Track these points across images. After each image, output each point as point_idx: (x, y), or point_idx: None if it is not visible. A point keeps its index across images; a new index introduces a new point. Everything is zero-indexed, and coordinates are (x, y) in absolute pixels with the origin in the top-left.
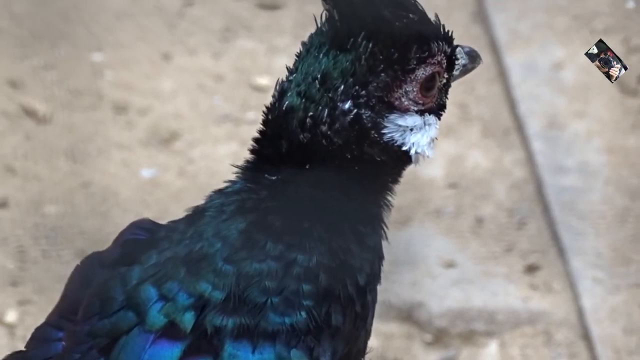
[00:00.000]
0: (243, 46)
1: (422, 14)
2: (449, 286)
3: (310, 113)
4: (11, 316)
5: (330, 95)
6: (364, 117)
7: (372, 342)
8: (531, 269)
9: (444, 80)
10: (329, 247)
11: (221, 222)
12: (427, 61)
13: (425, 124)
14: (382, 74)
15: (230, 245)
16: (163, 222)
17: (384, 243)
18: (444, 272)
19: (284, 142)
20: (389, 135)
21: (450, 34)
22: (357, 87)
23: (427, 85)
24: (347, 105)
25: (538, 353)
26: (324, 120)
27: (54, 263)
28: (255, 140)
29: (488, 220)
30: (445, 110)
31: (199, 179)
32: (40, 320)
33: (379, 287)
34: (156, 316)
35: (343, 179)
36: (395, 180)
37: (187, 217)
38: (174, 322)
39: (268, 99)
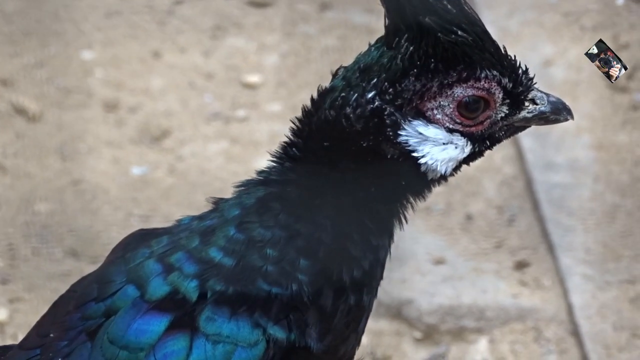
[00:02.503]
0: (233, 44)
1: (480, 38)
2: (438, 283)
3: (343, 94)
4: (1, 314)
5: (363, 84)
6: (386, 112)
7: (362, 340)
8: (521, 265)
9: (501, 114)
10: (335, 228)
11: (244, 193)
12: (469, 83)
13: (450, 142)
14: (415, 79)
15: (246, 211)
16: (153, 219)
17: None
18: (433, 268)
19: (315, 119)
20: (404, 137)
21: (518, 71)
22: (386, 83)
23: (469, 107)
24: (370, 95)
25: (528, 349)
26: (350, 102)
27: (45, 261)
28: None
29: (478, 217)
30: (494, 146)
31: (189, 177)
32: (31, 318)
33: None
34: (159, 286)
35: (362, 171)
36: (416, 195)
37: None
38: (178, 290)
39: (258, 97)
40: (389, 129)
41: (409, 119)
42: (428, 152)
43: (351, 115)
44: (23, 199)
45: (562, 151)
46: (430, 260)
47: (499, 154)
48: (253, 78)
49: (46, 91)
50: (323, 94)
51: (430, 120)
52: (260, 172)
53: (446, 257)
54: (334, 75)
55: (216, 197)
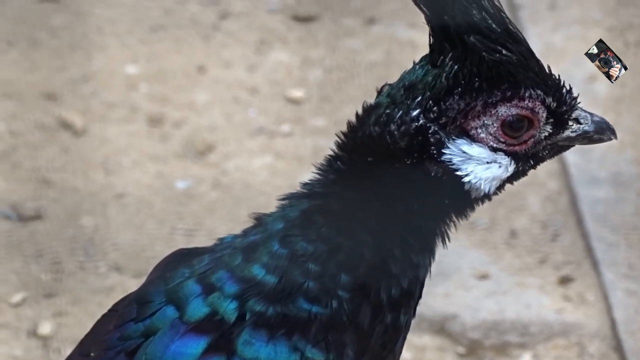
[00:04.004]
0: (277, 58)
1: (524, 57)
2: (482, 298)
3: (387, 111)
4: (46, 328)
5: (408, 101)
6: (430, 130)
7: (405, 355)
8: (564, 280)
9: (545, 133)
10: (376, 243)
11: (288, 206)
12: (514, 102)
13: (494, 161)
14: (459, 98)
15: (289, 224)
16: (197, 234)
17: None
18: (477, 283)
19: (359, 134)
20: (448, 156)
21: (562, 90)
22: (430, 102)
23: (512, 126)
24: (414, 113)
25: None
26: (394, 120)
27: (89, 275)
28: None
29: (522, 233)
30: (538, 165)
31: (233, 191)
32: (76, 332)
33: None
34: (198, 307)
35: (406, 186)
36: (459, 213)
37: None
38: (217, 311)
39: (302, 111)
40: (432, 147)
41: (453, 137)
42: (472, 171)
43: (395, 133)
44: (68, 213)
45: (606, 166)
46: (474, 275)
47: (543, 170)
48: (297, 93)
49: (91, 105)
50: (368, 110)
51: (474, 139)
52: (304, 185)
53: (490, 272)
54: (379, 92)
55: (259, 213)
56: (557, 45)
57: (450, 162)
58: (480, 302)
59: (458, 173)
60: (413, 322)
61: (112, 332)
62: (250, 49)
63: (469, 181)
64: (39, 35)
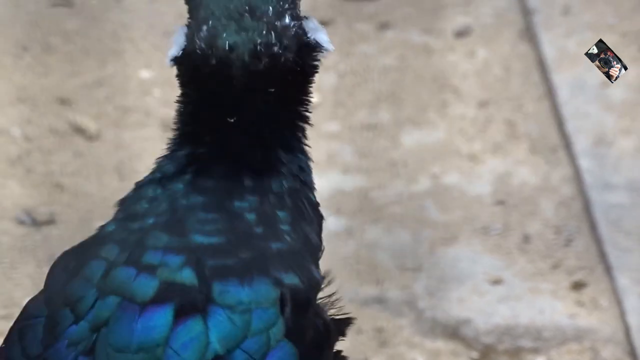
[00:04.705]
0: None
1: None
2: (495, 303)
3: (259, 40)
4: None
5: (265, 20)
6: (297, 26)
7: (419, 358)
8: (578, 285)
9: None
10: (291, 171)
11: (194, 180)
12: None
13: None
14: None
15: (212, 193)
16: None
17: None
18: (491, 289)
19: (235, 83)
20: (312, 38)
21: None
22: (281, 2)
23: None
24: (287, 21)
25: None
26: (273, 42)
27: None
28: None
29: (535, 238)
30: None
31: None
32: None
33: (424, 303)
34: (146, 284)
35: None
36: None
37: (129, 206)
38: (172, 281)
39: (316, 116)
40: (304, 37)
41: (303, 21)
42: (324, 39)
43: (281, 51)
44: (81, 218)
45: (620, 172)
46: (487, 281)
47: (556, 175)
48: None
49: (105, 110)
50: (223, 60)
51: (302, 17)
52: (184, 155)
53: (503, 278)
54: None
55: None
56: (571, 50)
57: (315, 41)
58: (494, 307)
59: (322, 49)
60: (426, 326)
61: (54, 343)
62: None
63: (329, 50)
64: (53, 40)
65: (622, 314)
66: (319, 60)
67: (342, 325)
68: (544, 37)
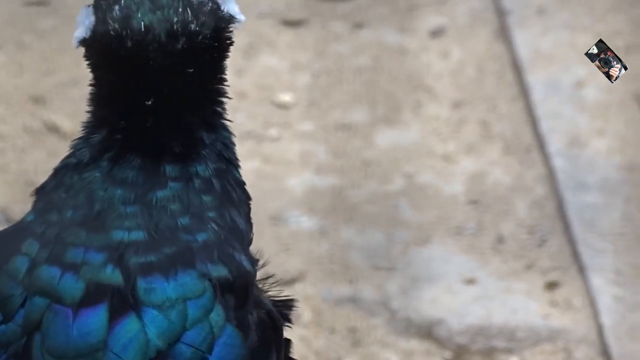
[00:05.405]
0: (266, 63)
1: None
2: (469, 303)
3: (175, 19)
4: None
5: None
6: (212, 1)
7: (392, 359)
8: (552, 285)
9: None
10: (215, 150)
11: (111, 169)
12: None
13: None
14: None
15: (131, 184)
16: None
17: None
18: (464, 289)
19: (151, 64)
20: (226, 9)
21: None
22: None
23: None
24: None
25: None
26: (190, 19)
27: None
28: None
29: (509, 238)
30: None
31: None
32: None
33: (398, 303)
34: (72, 286)
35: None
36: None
37: (47, 194)
38: (98, 282)
39: (290, 116)
40: (218, 10)
41: None
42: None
43: (198, 29)
44: None
45: (594, 172)
46: (461, 281)
47: (530, 175)
48: (285, 97)
49: (79, 109)
50: (138, 40)
51: None
52: (98, 142)
53: (477, 277)
54: (123, 26)
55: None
56: (545, 50)
57: (229, 14)
58: (467, 307)
59: (235, 21)
60: (400, 326)
61: None
62: (238, 53)
63: (241, 21)
64: (27, 39)
65: (596, 314)
66: (232, 33)
67: (284, 309)
68: (518, 37)
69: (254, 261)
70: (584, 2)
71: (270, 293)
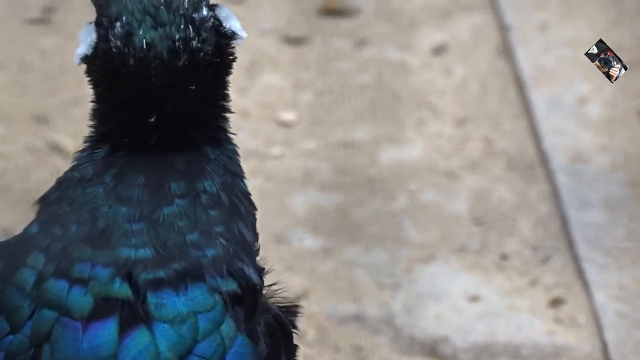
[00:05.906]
0: (269, 81)
1: None
2: (473, 320)
3: (177, 36)
4: None
5: (181, 12)
6: (213, 17)
7: None
8: (556, 302)
9: None
10: (220, 165)
11: (115, 186)
12: None
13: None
14: None
15: (136, 202)
16: None
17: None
18: (468, 306)
19: (154, 81)
20: (228, 26)
21: None
22: None
23: None
24: (204, 12)
25: None
26: (192, 36)
27: None
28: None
29: (512, 255)
30: None
31: None
32: None
33: (402, 321)
34: (80, 300)
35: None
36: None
37: (50, 205)
38: (108, 296)
39: (293, 134)
40: (220, 27)
41: (215, 9)
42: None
43: (199, 45)
44: None
45: (597, 189)
46: (465, 298)
47: (534, 193)
48: (288, 116)
49: (82, 128)
50: (141, 57)
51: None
52: (102, 159)
53: (481, 295)
54: (124, 43)
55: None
56: (548, 67)
57: (231, 30)
58: (472, 325)
59: (238, 37)
60: (404, 344)
61: None
62: (240, 71)
63: (243, 37)
64: (29, 58)
65: (600, 331)
66: (235, 49)
67: (289, 315)
68: (520, 53)
69: (260, 271)
70: (586, 17)
71: (274, 299)
